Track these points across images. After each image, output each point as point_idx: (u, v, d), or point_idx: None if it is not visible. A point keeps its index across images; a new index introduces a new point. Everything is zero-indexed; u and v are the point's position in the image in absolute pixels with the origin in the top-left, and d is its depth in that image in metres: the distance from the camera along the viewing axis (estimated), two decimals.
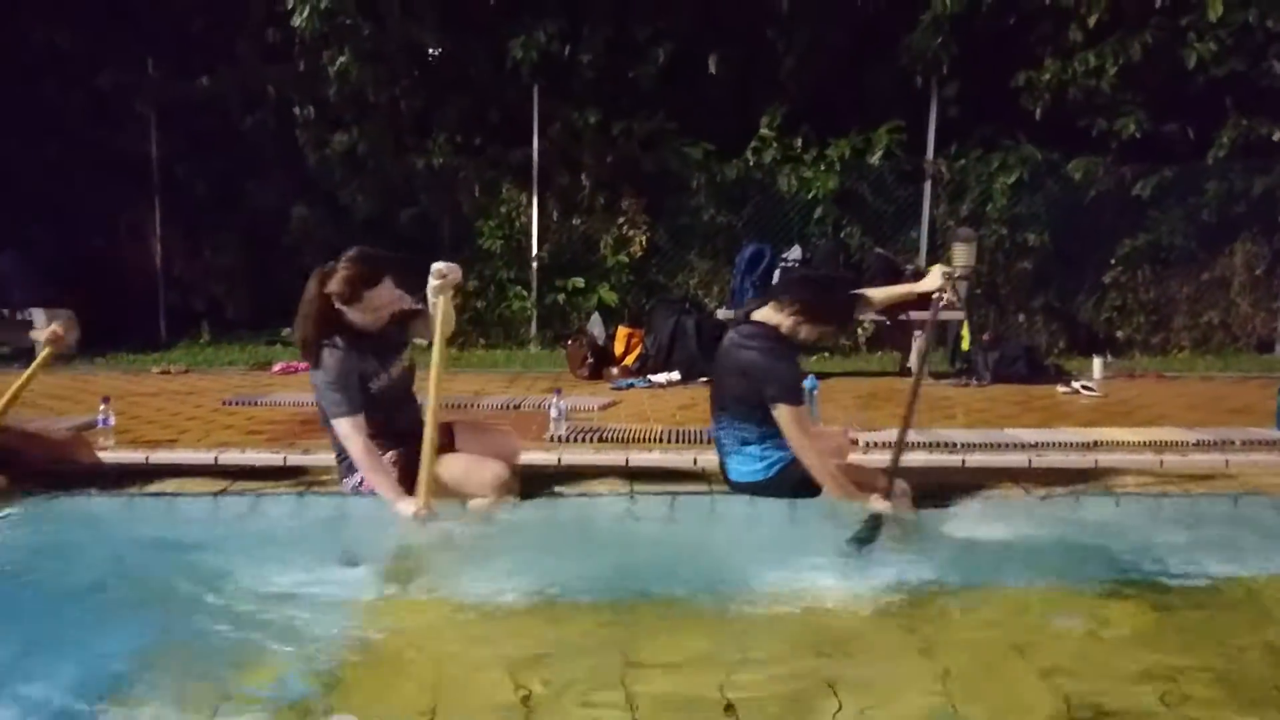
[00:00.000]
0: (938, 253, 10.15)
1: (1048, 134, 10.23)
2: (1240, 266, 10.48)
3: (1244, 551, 3.55)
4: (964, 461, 4.71)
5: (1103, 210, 10.39)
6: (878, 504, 3.55)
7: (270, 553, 3.54)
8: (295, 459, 4.62)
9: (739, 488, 3.88)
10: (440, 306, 3.61)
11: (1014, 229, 10.36)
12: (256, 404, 6.31)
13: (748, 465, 3.79)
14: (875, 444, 4.84)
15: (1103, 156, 10.30)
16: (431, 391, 3.58)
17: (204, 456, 4.63)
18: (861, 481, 3.71)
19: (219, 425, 5.51)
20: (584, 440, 5.00)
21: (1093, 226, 10.41)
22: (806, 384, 5.33)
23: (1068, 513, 3.99)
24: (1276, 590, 3.27)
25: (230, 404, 6.30)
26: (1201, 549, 3.54)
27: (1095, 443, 4.96)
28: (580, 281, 10.29)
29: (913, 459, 4.67)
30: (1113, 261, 10.52)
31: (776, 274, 8.13)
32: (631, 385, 7.43)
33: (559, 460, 4.65)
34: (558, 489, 4.14)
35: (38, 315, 9.10)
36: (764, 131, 10.30)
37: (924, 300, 4.22)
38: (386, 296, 3.60)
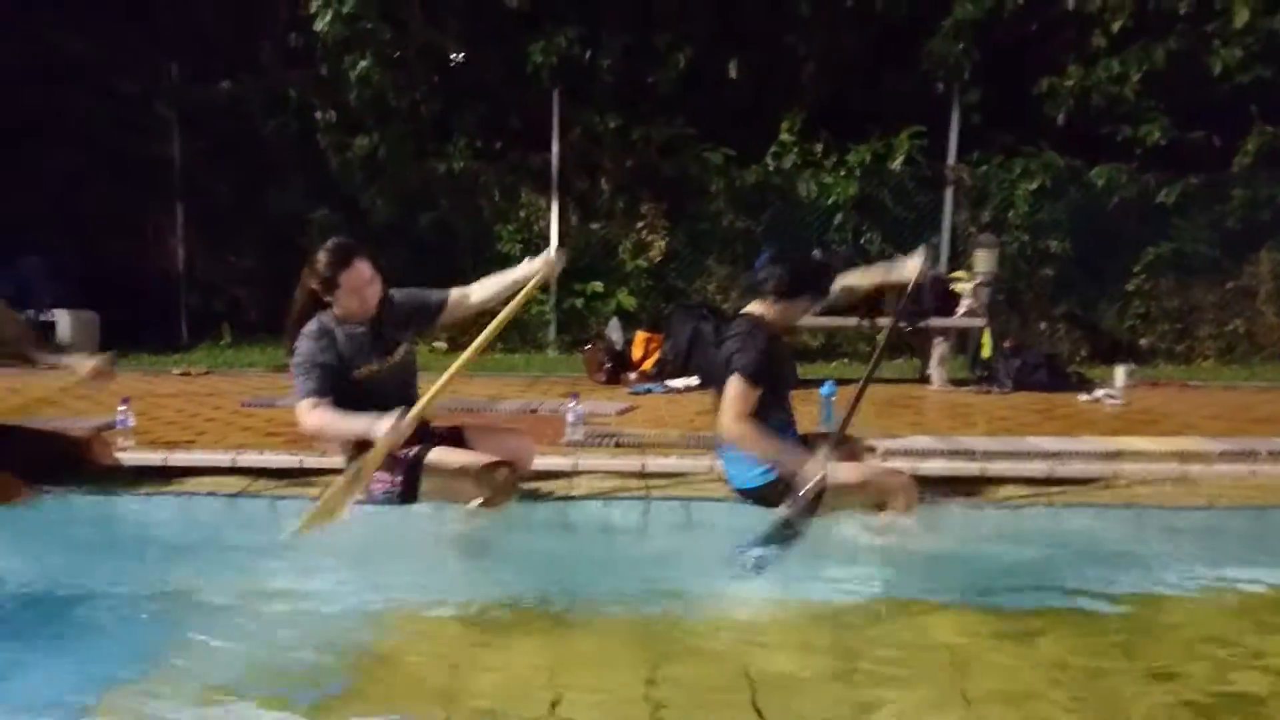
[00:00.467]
0: (959, 259, 10.07)
1: (1070, 141, 10.17)
2: (1266, 275, 10.36)
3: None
4: (984, 470, 4.67)
5: (1126, 218, 10.29)
6: (812, 469, 3.46)
7: (285, 554, 3.56)
8: (312, 461, 4.62)
9: (740, 493, 3.84)
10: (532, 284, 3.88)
11: (1036, 236, 10.28)
12: (275, 406, 6.32)
13: (747, 471, 3.73)
14: (895, 451, 4.79)
15: (1126, 164, 10.21)
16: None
17: (222, 458, 4.65)
18: (884, 487, 3.69)
19: (237, 427, 5.53)
20: (601, 445, 4.98)
21: (1116, 234, 10.32)
22: (824, 390, 5.32)
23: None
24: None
25: (249, 406, 6.32)
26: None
27: (1118, 452, 4.90)
28: (599, 286, 10.28)
29: (932, 466, 4.65)
30: (1136, 269, 10.42)
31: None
32: (649, 390, 7.41)
33: (575, 465, 4.64)
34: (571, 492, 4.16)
35: (61, 317, 9.20)
36: (784, 137, 10.27)
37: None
38: (363, 275, 3.64)
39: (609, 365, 7.98)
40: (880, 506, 3.71)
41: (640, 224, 10.40)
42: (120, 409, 4.91)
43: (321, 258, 3.62)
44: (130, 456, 4.58)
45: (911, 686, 2.61)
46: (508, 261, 10.28)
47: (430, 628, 3.05)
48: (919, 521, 3.70)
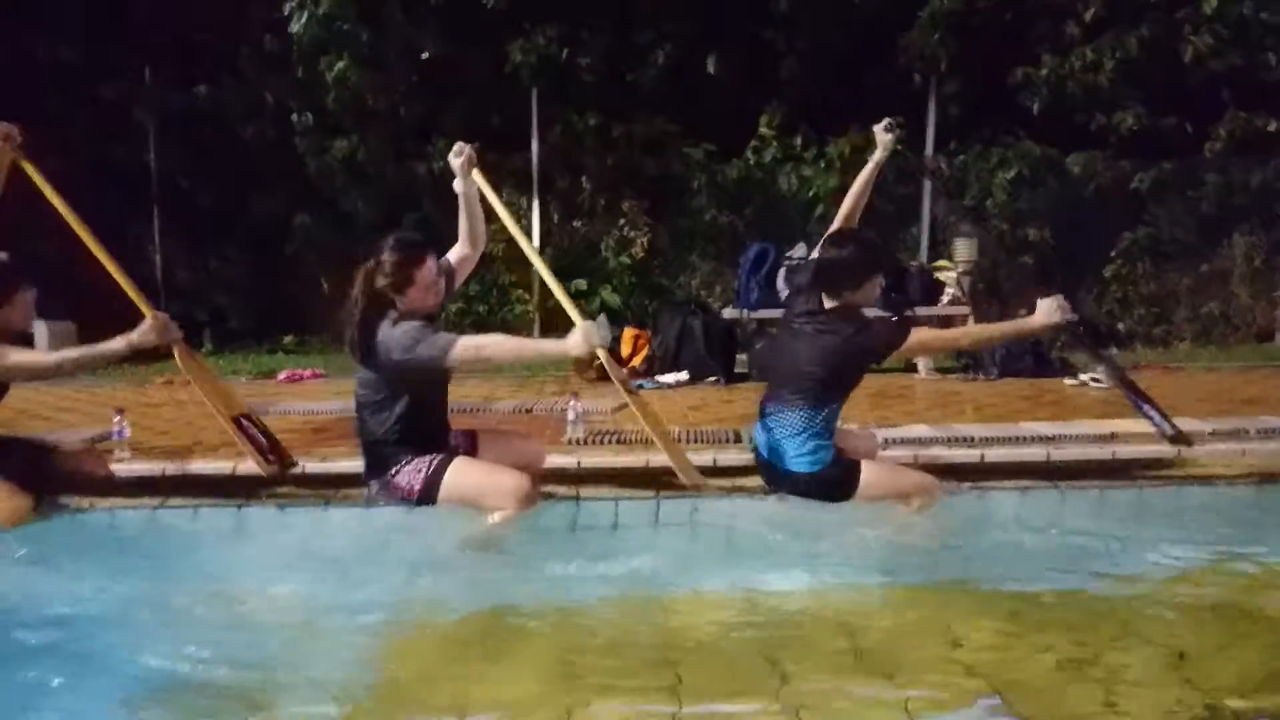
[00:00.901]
0: (939, 249, 10.16)
1: (1046, 130, 10.28)
2: (1240, 258, 10.52)
3: None
4: (983, 456, 4.71)
5: (1102, 204, 10.42)
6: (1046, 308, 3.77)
7: (296, 564, 3.55)
8: (314, 467, 4.59)
9: (778, 476, 3.86)
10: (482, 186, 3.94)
11: (1015, 224, 10.39)
12: (266, 413, 6.26)
13: (797, 452, 3.77)
14: (894, 440, 4.82)
15: (1102, 151, 10.34)
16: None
17: (222, 467, 4.61)
18: (912, 493, 3.84)
19: (230, 435, 5.47)
20: (603, 442, 4.99)
21: (1093, 221, 10.43)
22: None
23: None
24: None
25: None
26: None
27: (1112, 435, 4.96)
28: (583, 284, 10.28)
29: (932, 454, 4.69)
30: (1113, 255, 10.55)
31: (781, 272, 8.16)
32: (641, 386, 7.41)
33: (579, 463, 4.65)
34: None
35: (39, 328, 9.06)
36: (764, 131, 10.33)
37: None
38: (433, 270, 3.63)
39: (597, 363, 7.96)
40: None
41: (622, 221, 10.42)
42: (115, 420, 4.86)
43: (390, 257, 3.57)
44: (127, 468, 4.53)
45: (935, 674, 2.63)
46: (489, 263, 10.36)
47: (445, 632, 3.05)
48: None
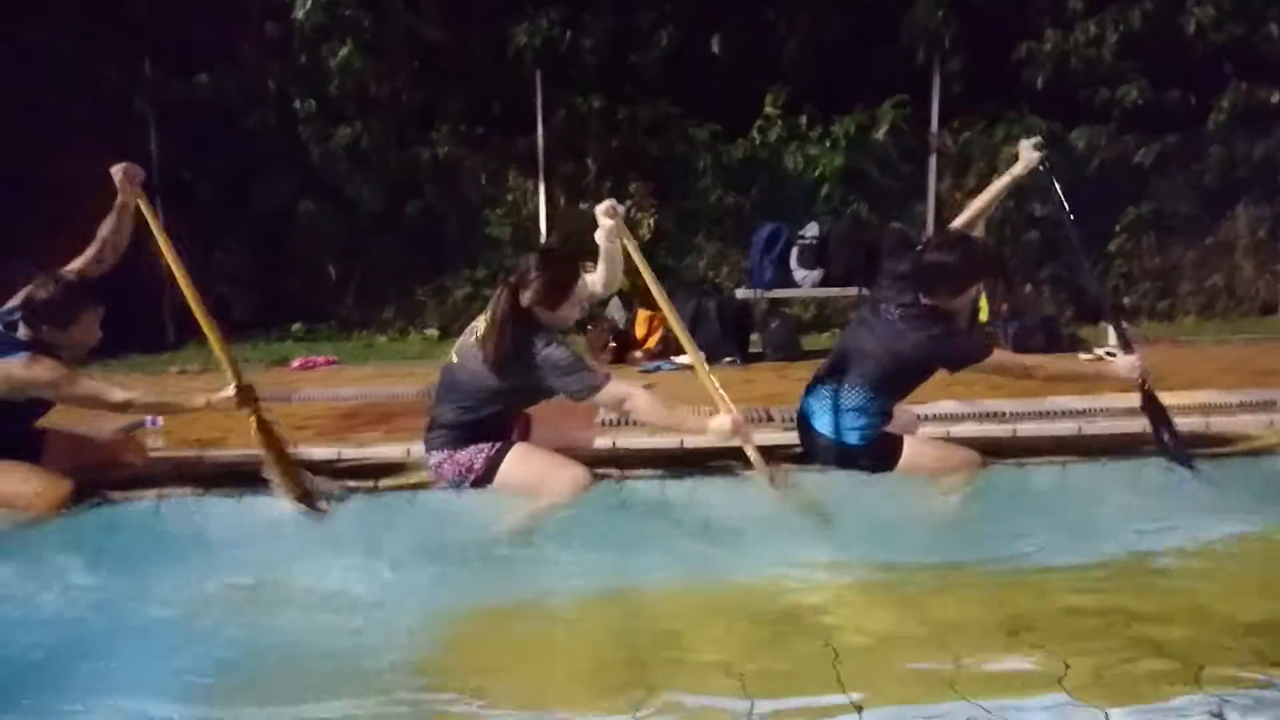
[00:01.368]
0: (944, 227, 10.17)
1: (1050, 105, 10.28)
2: (1243, 230, 10.58)
3: None
4: (1015, 431, 4.75)
5: (1106, 179, 10.42)
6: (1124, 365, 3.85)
7: (346, 551, 3.54)
8: (350, 452, 4.59)
9: (822, 444, 3.89)
10: (628, 242, 3.89)
11: (1020, 200, 10.39)
12: (290, 400, 6.27)
13: (845, 424, 3.82)
14: (926, 417, 4.85)
15: (1105, 125, 10.36)
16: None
17: (256, 454, 4.60)
18: (957, 467, 3.85)
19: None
20: (636, 424, 4.99)
21: (1097, 195, 10.42)
22: None
23: None
24: None
25: (264, 401, 6.23)
26: None
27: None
28: (591, 266, 10.23)
29: (963, 430, 4.72)
30: (1117, 229, 10.60)
31: (794, 252, 8.17)
32: (659, 368, 7.44)
33: (614, 444, 4.66)
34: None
35: None
36: (769, 110, 10.30)
37: None
38: (585, 288, 3.75)
39: (613, 345, 7.99)
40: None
41: (628, 203, 10.38)
42: None
43: (547, 273, 3.61)
44: (163, 456, 4.53)
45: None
46: (497, 246, 10.34)
47: (505, 619, 3.06)
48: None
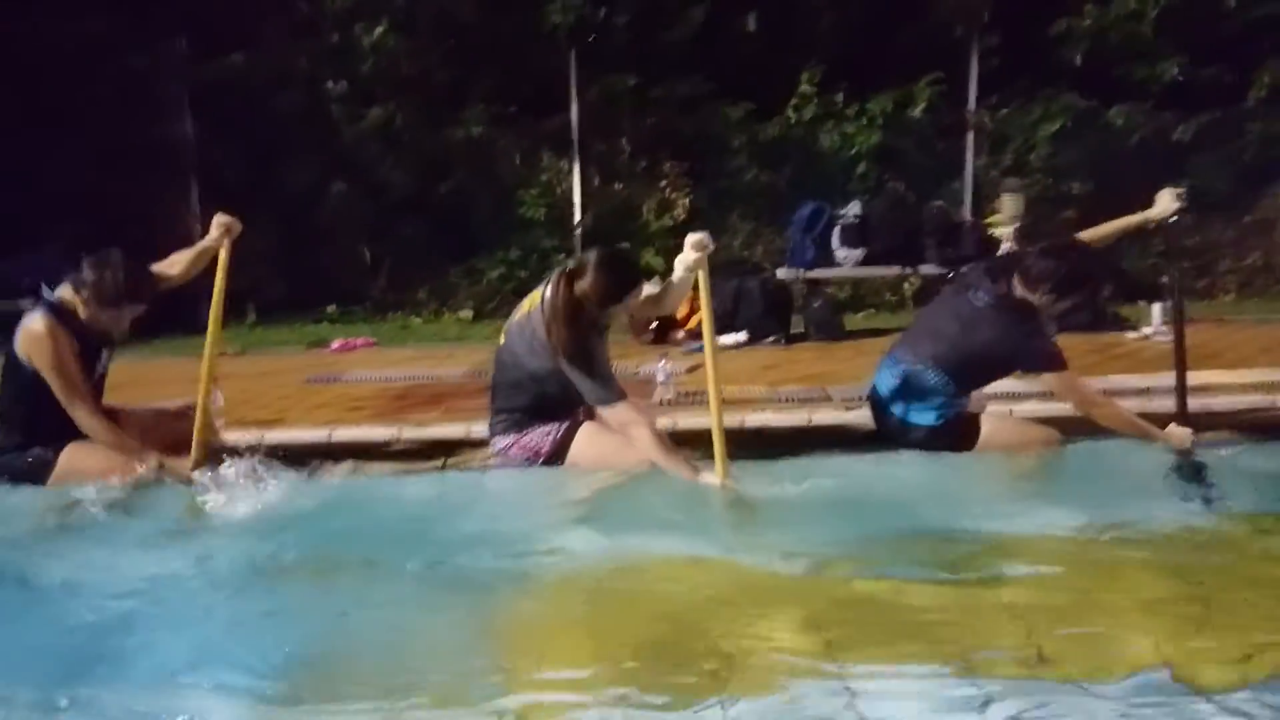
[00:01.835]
0: (981, 205, 10.10)
1: (1088, 81, 10.18)
2: None
3: None
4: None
5: (1144, 156, 10.32)
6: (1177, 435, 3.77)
7: (416, 529, 3.53)
8: (410, 433, 4.58)
9: (896, 426, 3.88)
10: (702, 277, 3.86)
11: (1057, 178, 10.31)
12: (339, 380, 6.28)
13: (921, 406, 3.80)
14: (988, 396, 4.80)
15: (1143, 102, 10.25)
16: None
17: (318, 434, 4.61)
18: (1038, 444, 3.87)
19: (314, 403, 5.49)
20: (697, 403, 4.98)
21: (1135, 173, 10.33)
22: None
23: None
24: None
25: (314, 382, 6.26)
26: None
27: (1204, 386, 4.93)
28: (625, 247, 10.21)
29: (1027, 409, 4.67)
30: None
31: (835, 231, 8.11)
32: (702, 348, 7.38)
33: (675, 424, 4.64)
34: None
35: None
36: (804, 88, 10.22)
37: None
38: (642, 295, 3.83)
39: (654, 325, 7.96)
40: None
41: (663, 183, 10.34)
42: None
43: (607, 276, 3.64)
44: (226, 436, 4.52)
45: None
46: (530, 228, 10.31)
47: (582, 591, 3.04)
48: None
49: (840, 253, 8.13)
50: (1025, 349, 3.68)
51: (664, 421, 4.55)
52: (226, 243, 4.06)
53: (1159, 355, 6.40)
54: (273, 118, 10.33)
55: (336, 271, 10.50)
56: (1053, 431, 3.88)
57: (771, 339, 7.62)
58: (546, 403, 3.77)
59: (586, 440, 3.73)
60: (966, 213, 9.89)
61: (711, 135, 10.34)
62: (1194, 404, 4.28)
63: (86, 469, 3.78)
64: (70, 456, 3.82)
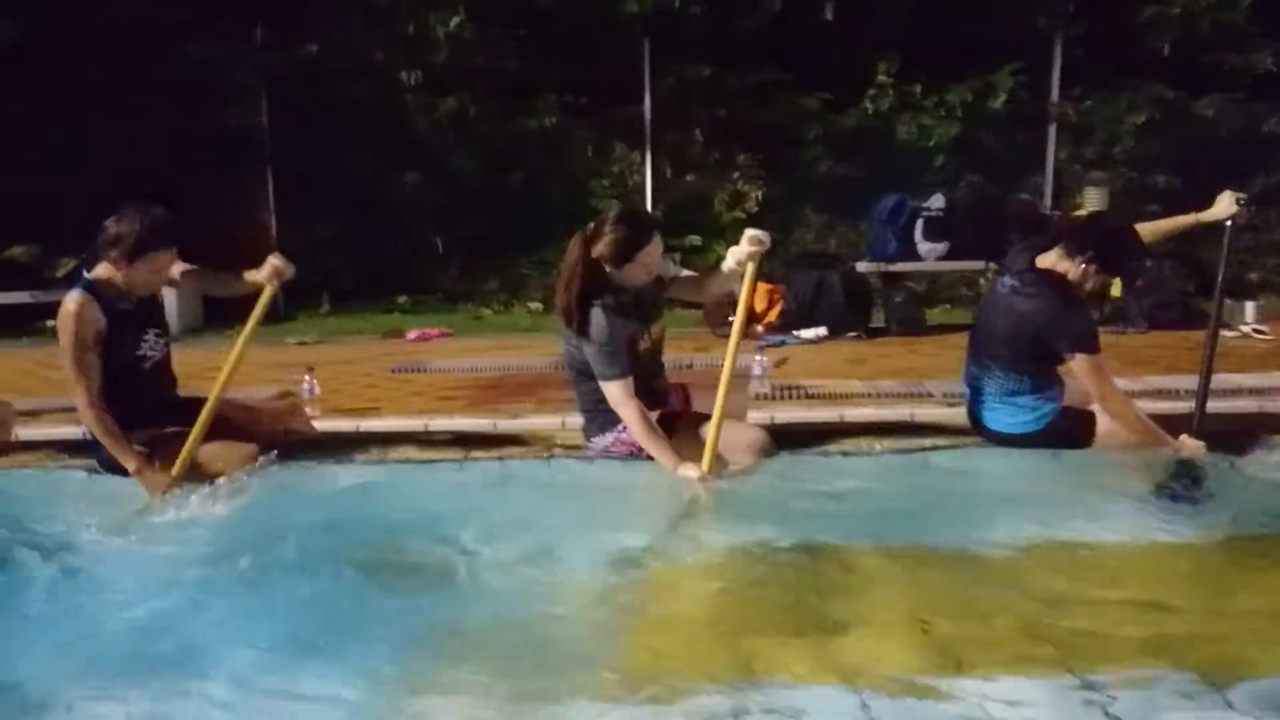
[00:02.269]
0: (1062, 198, 9.87)
1: (1176, 71, 9.90)
2: None
3: None
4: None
5: (1233, 149, 10.02)
6: (1189, 446, 3.49)
7: (526, 519, 3.48)
8: (505, 424, 4.54)
9: (1001, 439, 3.76)
10: (749, 272, 3.66)
11: (1142, 171, 10.04)
12: (424, 370, 6.26)
13: (1016, 417, 3.67)
14: None
15: (1234, 93, 9.94)
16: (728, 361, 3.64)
17: (413, 424, 4.58)
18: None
19: (405, 393, 5.48)
20: (790, 397, 4.89)
21: (1223, 166, 10.03)
22: None
23: None
24: None
25: (398, 371, 6.26)
26: None
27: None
28: (696, 239, 10.15)
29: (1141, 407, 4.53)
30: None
31: (918, 224, 7.96)
32: (783, 342, 7.30)
33: (772, 419, 4.55)
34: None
35: (165, 291, 9.13)
36: (881, 79, 10.05)
37: None
38: (659, 249, 3.57)
39: (731, 319, 7.85)
40: None
41: (735, 174, 10.23)
42: (306, 378, 4.86)
43: (617, 231, 3.51)
44: (321, 425, 4.52)
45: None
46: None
47: (690, 586, 2.97)
48: None
49: (923, 246, 7.98)
50: (1057, 322, 3.52)
51: (760, 415, 4.48)
52: (276, 283, 3.93)
53: (1263, 354, 6.22)
54: (346, 107, 10.37)
55: (408, 261, 10.53)
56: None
57: (853, 334, 7.49)
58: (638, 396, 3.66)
59: (694, 428, 3.64)
60: (1046, 206, 9.67)
61: (785, 126, 10.20)
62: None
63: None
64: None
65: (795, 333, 7.52)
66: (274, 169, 10.51)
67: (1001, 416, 3.71)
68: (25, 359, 7.35)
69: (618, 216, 3.59)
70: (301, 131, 10.49)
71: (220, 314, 8.72)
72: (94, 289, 3.61)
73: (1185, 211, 4.05)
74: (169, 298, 4.97)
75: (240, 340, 3.89)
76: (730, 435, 3.63)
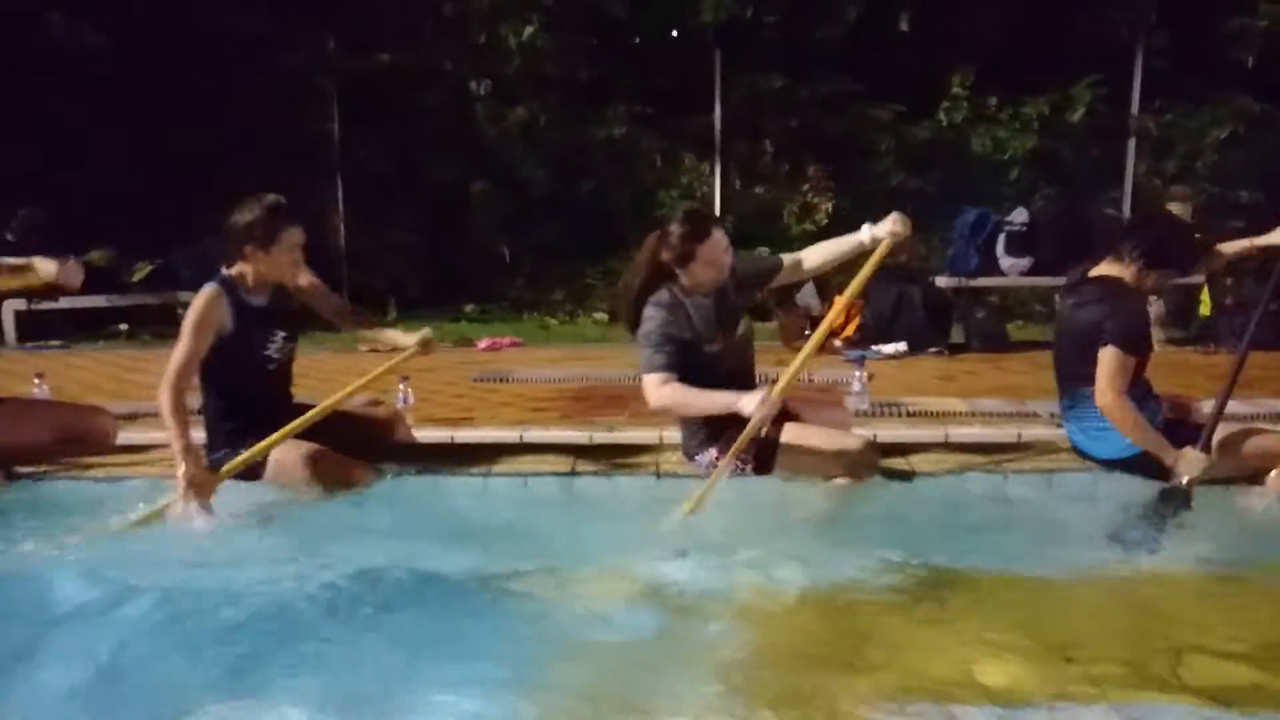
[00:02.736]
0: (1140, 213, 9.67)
1: (1261, 84, 9.66)
2: None
3: None
4: None
5: None
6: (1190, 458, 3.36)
7: (636, 534, 3.41)
8: (601, 436, 4.47)
9: (1105, 464, 3.66)
10: (882, 248, 3.69)
11: (1224, 186, 9.80)
12: (507, 380, 6.23)
13: (1119, 441, 3.53)
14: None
15: None
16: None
17: (509, 435, 4.52)
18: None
19: (493, 402, 5.43)
20: (892, 414, 4.79)
21: None
22: None
23: None
24: None
25: (481, 380, 6.22)
26: None
27: None
28: (765, 251, 10.02)
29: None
30: None
31: (1000, 239, 7.82)
32: (864, 357, 7.16)
33: (874, 436, 4.44)
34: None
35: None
36: (955, 90, 9.91)
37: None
38: (720, 245, 3.54)
39: (809, 333, 7.75)
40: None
41: (805, 186, 10.13)
42: (400, 387, 4.84)
43: (677, 229, 3.54)
44: (417, 435, 4.48)
45: None
46: None
47: (798, 606, 2.88)
48: None
49: (1005, 261, 7.83)
50: (1109, 315, 3.42)
51: (864, 433, 4.38)
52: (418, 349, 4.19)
53: None
54: (417, 115, 10.42)
55: (474, 269, 10.53)
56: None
57: (934, 350, 7.36)
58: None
59: (796, 436, 3.56)
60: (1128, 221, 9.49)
61: (857, 137, 10.09)
62: None
63: (291, 470, 3.65)
64: (277, 455, 3.70)
65: (874, 347, 7.40)
66: (344, 176, 10.58)
67: (1100, 440, 3.58)
68: (105, 362, 7.41)
69: (679, 216, 3.64)
70: (372, 139, 10.56)
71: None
72: (228, 284, 3.61)
73: (1270, 226, 3.96)
74: None
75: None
76: (832, 443, 3.57)
